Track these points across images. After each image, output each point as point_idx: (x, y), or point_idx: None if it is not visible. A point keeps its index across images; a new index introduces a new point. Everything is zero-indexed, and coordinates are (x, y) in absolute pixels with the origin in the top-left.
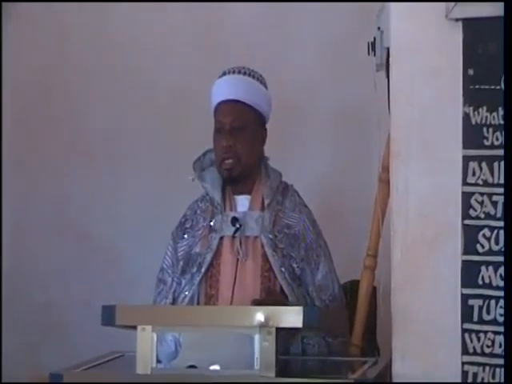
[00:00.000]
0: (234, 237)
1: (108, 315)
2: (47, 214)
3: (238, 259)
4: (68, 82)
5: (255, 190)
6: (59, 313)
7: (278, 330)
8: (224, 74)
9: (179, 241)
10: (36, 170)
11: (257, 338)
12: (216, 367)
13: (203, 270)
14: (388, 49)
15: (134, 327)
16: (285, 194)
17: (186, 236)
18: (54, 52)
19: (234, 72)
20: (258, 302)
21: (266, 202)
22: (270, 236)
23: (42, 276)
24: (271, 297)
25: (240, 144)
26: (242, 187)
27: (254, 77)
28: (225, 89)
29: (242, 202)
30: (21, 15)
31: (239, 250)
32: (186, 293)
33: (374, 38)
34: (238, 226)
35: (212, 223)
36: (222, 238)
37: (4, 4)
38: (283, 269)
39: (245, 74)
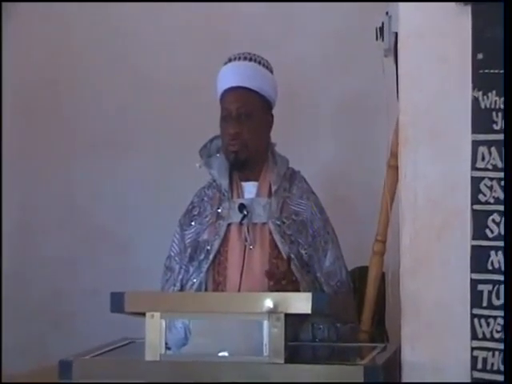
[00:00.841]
0: (241, 223)
1: (117, 302)
2: (55, 202)
3: (245, 246)
4: (72, 75)
5: (262, 176)
6: (68, 301)
7: (287, 316)
8: (230, 60)
9: (186, 228)
10: (43, 159)
11: (266, 324)
12: (225, 353)
13: (211, 257)
14: (396, 34)
15: (143, 314)
16: (292, 181)
17: (193, 223)
18: (56, 47)
19: (239, 58)
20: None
21: (274, 188)
22: (278, 222)
23: (50, 265)
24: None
25: (247, 130)
26: (249, 174)
27: (259, 63)
28: (230, 75)
29: (249, 189)
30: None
31: (247, 236)
32: (194, 280)
33: (383, 23)
34: (245, 212)
35: (219, 210)
36: (229, 225)
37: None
38: (292, 255)
39: (250, 59)
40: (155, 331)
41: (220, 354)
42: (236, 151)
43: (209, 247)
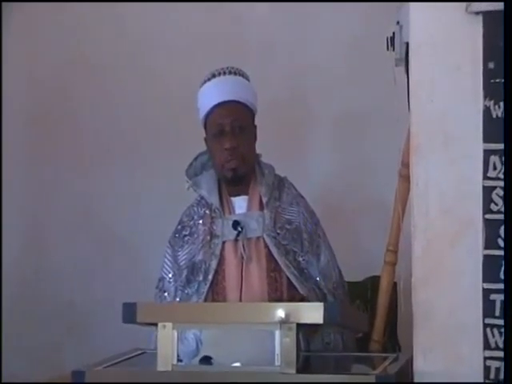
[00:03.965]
0: (236, 240)
1: (129, 313)
2: (69, 213)
3: (242, 262)
4: (85, 83)
5: (251, 189)
6: (82, 312)
7: (299, 325)
8: (213, 76)
9: (179, 249)
10: (57, 169)
11: (277, 334)
12: (237, 364)
13: (210, 277)
14: (407, 43)
15: (155, 324)
16: (281, 189)
17: (185, 244)
18: (58, 48)
19: (224, 73)
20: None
21: (264, 200)
22: (273, 234)
23: (64, 275)
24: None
25: (243, 144)
26: (239, 188)
27: (242, 75)
28: (219, 91)
29: (240, 204)
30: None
31: (243, 253)
32: (193, 301)
33: (394, 33)
34: (239, 229)
35: (213, 228)
36: (224, 243)
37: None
38: (290, 266)
39: (235, 73)
40: (167, 341)
41: (232, 365)
42: (234, 168)
43: (206, 267)
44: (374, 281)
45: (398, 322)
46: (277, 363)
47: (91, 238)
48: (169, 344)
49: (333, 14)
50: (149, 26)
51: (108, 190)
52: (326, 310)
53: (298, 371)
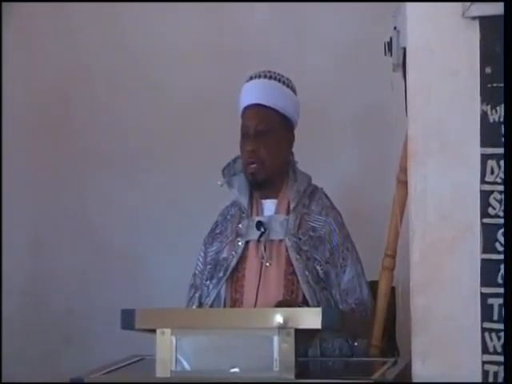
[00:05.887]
0: (259, 241)
1: (127, 319)
2: (67, 219)
3: (262, 263)
4: (84, 90)
5: (282, 193)
6: (80, 320)
7: (298, 331)
8: (251, 78)
9: (209, 246)
10: (55, 175)
11: (276, 339)
12: (235, 369)
13: (228, 274)
14: (404, 49)
15: (154, 331)
16: (312, 198)
17: (215, 241)
18: (58, 48)
19: (259, 76)
20: (280, 305)
21: (292, 205)
22: (295, 239)
23: (62, 281)
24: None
25: (264, 148)
26: (269, 192)
27: (279, 80)
28: (250, 93)
29: (269, 207)
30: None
31: (263, 254)
32: (213, 297)
33: (391, 38)
34: (262, 230)
35: (239, 227)
36: (247, 243)
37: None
38: (306, 272)
39: (270, 77)
40: (166, 348)
41: (231, 371)
42: (253, 173)
43: (227, 265)
44: (373, 286)
45: (396, 327)
46: (275, 368)
47: (90, 247)
48: (168, 350)
49: (331, 15)
50: (149, 29)
51: (107, 199)
52: (324, 315)
53: (297, 376)
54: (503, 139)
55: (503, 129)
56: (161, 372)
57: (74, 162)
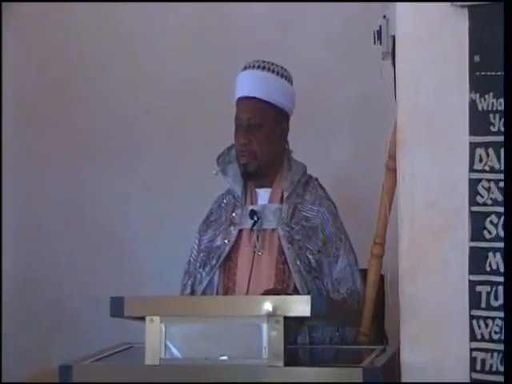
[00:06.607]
0: (252, 229)
1: (117, 307)
2: (57, 207)
3: (254, 252)
4: (76, 78)
5: (276, 183)
6: (70, 307)
7: (286, 318)
8: (245, 68)
9: (203, 234)
10: (46, 164)
11: (265, 327)
12: (224, 357)
13: (221, 261)
14: (394, 37)
15: (143, 318)
16: (306, 187)
17: (209, 229)
18: (60, 49)
19: (253, 67)
20: (268, 293)
21: (285, 194)
22: (287, 228)
23: (51, 269)
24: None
25: (256, 141)
26: (263, 181)
27: (273, 71)
28: (243, 84)
29: (263, 195)
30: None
31: (255, 242)
32: (205, 284)
33: (380, 27)
34: (255, 218)
35: (232, 216)
36: (240, 231)
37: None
38: (298, 261)
39: (264, 68)
40: (155, 335)
41: (220, 358)
42: (245, 163)
43: (220, 252)
44: (362, 274)
45: (385, 315)
46: (264, 356)
47: (79, 234)
48: (157, 338)
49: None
50: (145, 26)
51: (98, 188)
52: (313, 303)
53: (286, 364)
54: (503, 130)
55: (492, 118)
56: (150, 359)
57: (64, 149)
